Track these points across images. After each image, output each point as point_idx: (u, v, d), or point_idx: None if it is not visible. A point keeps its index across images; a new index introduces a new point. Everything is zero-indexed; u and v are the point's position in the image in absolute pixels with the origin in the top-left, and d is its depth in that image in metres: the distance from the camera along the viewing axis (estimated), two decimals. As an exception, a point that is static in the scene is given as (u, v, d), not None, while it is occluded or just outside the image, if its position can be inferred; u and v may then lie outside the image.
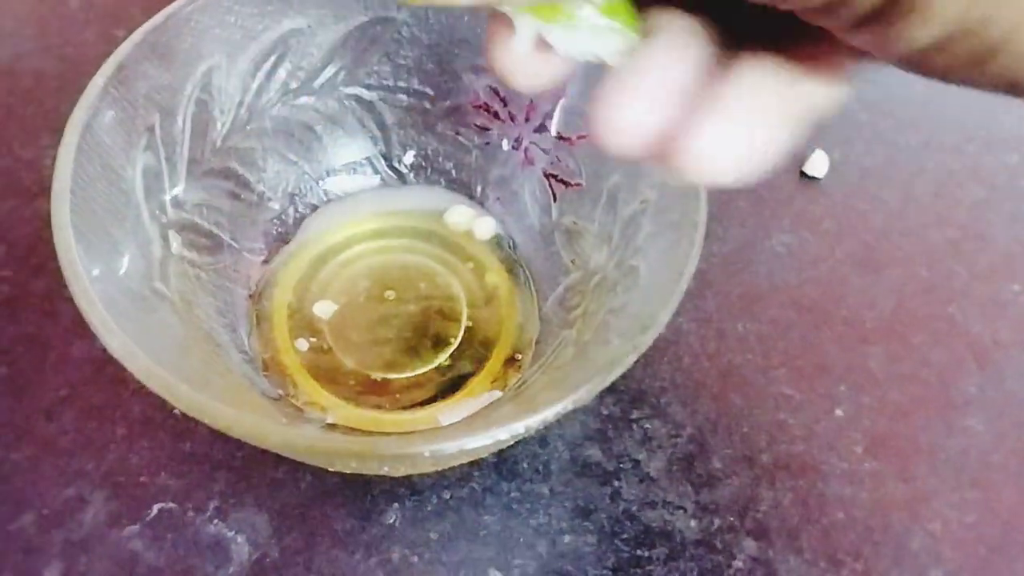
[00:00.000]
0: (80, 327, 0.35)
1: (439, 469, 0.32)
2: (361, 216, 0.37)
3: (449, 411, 0.33)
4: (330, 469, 0.30)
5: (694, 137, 0.17)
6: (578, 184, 0.34)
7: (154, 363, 0.24)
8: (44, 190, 0.39)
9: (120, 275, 0.27)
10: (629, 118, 0.17)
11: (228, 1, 0.31)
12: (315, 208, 0.37)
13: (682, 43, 0.17)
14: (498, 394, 0.33)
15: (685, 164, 0.17)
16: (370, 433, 0.32)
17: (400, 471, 0.29)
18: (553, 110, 0.34)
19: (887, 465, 0.35)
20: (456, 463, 0.31)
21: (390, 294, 0.35)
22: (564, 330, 0.33)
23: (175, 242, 0.31)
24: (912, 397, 0.37)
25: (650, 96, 0.17)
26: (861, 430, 0.36)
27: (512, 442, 0.30)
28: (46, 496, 0.32)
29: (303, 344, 0.34)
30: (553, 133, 0.34)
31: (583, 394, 0.24)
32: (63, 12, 0.47)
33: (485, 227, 0.37)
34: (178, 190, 0.31)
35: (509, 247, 0.37)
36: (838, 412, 0.36)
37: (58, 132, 0.41)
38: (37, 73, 0.44)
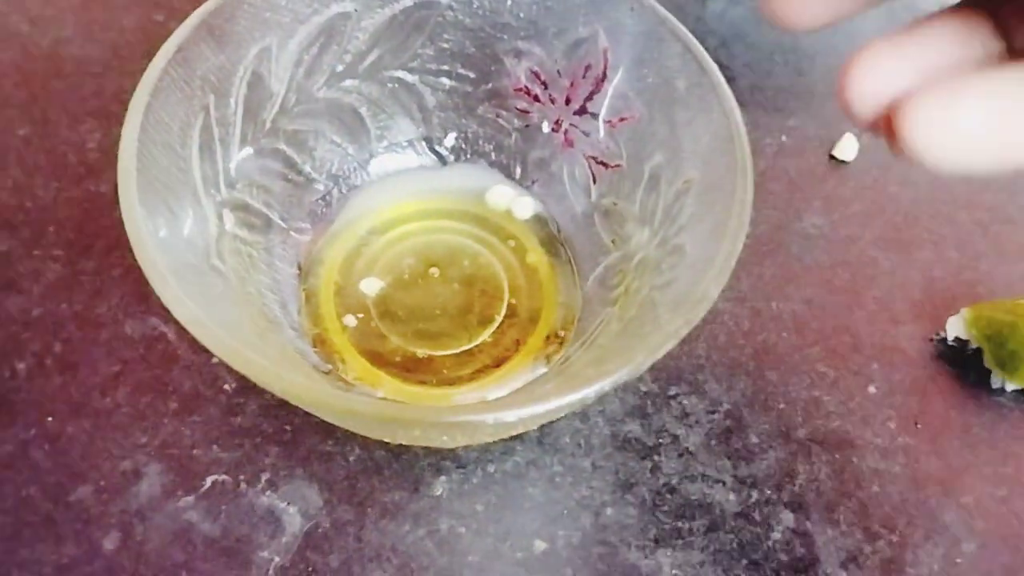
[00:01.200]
0: (130, 306, 0.36)
1: (489, 441, 0.33)
2: (404, 196, 0.38)
3: (494, 386, 0.34)
4: (386, 440, 0.31)
5: (941, 110, 0.16)
6: (618, 165, 0.35)
7: (219, 329, 0.24)
8: (89, 172, 0.40)
9: (182, 249, 0.28)
10: (876, 78, 0.17)
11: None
12: (359, 189, 0.38)
13: (957, 30, 0.18)
14: (542, 369, 0.34)
15: (920, 138, 0.17)
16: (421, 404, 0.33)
17: (457, 441, 0.30)
18: (594, 92, 0.35)
19: (920, 441, 0.36)
20: (508, 434, 0.32)
21: (434, 272, 0.36)
22: (606, 308, 0.34)
23: (228, 220, 0.32)
24: (943, 373, 0.37)
25: (904, 60, 0.17)
26: (894, 407, 0.36)
27: (568, 412, 0.31)
28: (103, 468, 0.32)
29: (351, 320, 0.35)
30: (602, 116, 0.35)
31: (634, 367, 0.25)
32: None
33: (525, 206, 0.38)
34: (231, 170, 0.32)
35: (550, 227, 0.38)
36: (871, 389, 0.37)
37: (100, 115, 0.42)
38: (78, 59, 0.44)
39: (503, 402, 0.29)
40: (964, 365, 0.37)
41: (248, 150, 0.33)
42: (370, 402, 0.25)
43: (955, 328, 0.37)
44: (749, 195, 0.28)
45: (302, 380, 0.24)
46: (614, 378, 0.25)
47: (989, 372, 0.37)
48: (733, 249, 0.27)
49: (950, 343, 0.37)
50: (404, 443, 0.31)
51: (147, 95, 0.28)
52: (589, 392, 0.25)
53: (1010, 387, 0.36)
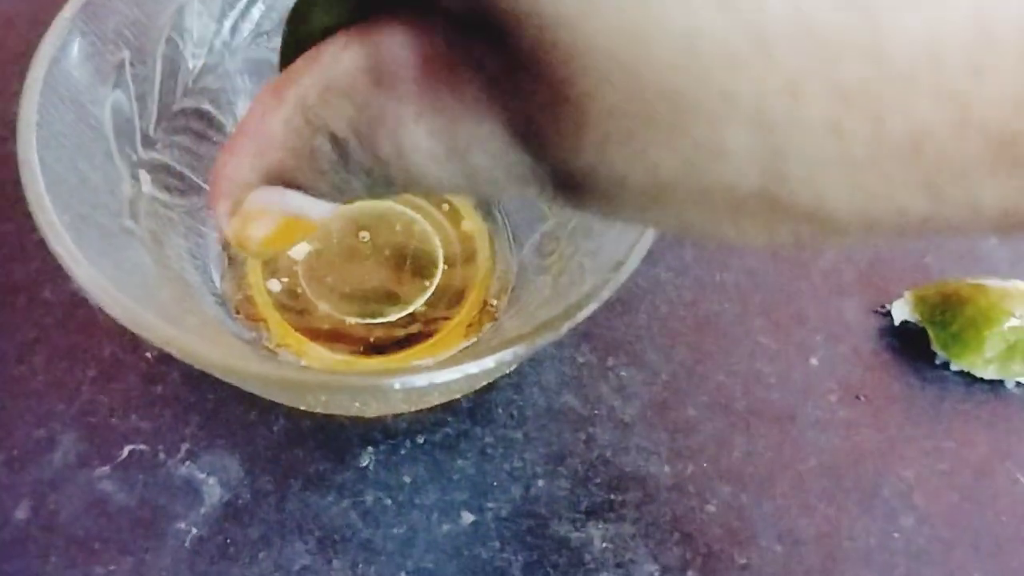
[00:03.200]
0: (50, 271, 0.35)
1: (413, 410, 0.32)
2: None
3: (424, 357, 0.33)
4: (303, 408, 0.30)
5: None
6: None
7: (122, 295, 0.23)
8: (13, 133, 0.39)
9: (88, 209, 0.27)
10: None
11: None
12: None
13: None
14: (473, 340, 0.33)
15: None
16: (348, 372, 0.32)
17: (372, 409, 0.29)
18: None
19: (861, 414, 0.35)
20: (429, 403, 0.31)
21: (364, 235, 0.35)
22: (540, 276, 0.33)
23: (146, 182, 0.30)
24: (886, 347, 0.37)
25: None
26: (836, 379, 0.36)
27: (485, 380, 0.30)
28: (16, 436, 0.31)
29: (275, 285, 0.34)
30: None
31: (553, 330, 0.24)
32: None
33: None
34: (149, 129, 0.31)
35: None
36: (813, 361, 0.36)
37: (25, 74, 0.40)
38: (5, 15, 0.43)
39: (411, 367, 0.28)
40: (909, 344, 0.37)
41: (169, 110, 0.32)
42: (274, 367, 0.24)
43: (900, 311, 0.37)
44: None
45: (204, 346, 0.23)
46: (529, 342, 0.24)
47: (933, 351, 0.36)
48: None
49: (896, 326, 0.37)
50: (323, 411, 0.30)
51: (52, 49, 0.27)
52: (502, 357, 0.24)
53: (954, 367, 0.36)
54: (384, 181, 0.16)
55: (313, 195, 0.17)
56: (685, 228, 0.15)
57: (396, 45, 0.15)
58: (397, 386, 0.23)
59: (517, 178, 0.15)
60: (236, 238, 0.18)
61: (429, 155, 0.15)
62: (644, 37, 0.12)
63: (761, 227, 0.14)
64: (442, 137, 0.15)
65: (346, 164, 0.16)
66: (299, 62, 0.16)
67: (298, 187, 0.17)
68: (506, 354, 0.24)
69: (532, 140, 0.14)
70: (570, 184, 0.15)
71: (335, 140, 0.16)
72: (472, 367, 0.24)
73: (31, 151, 0.25)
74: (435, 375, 0.23)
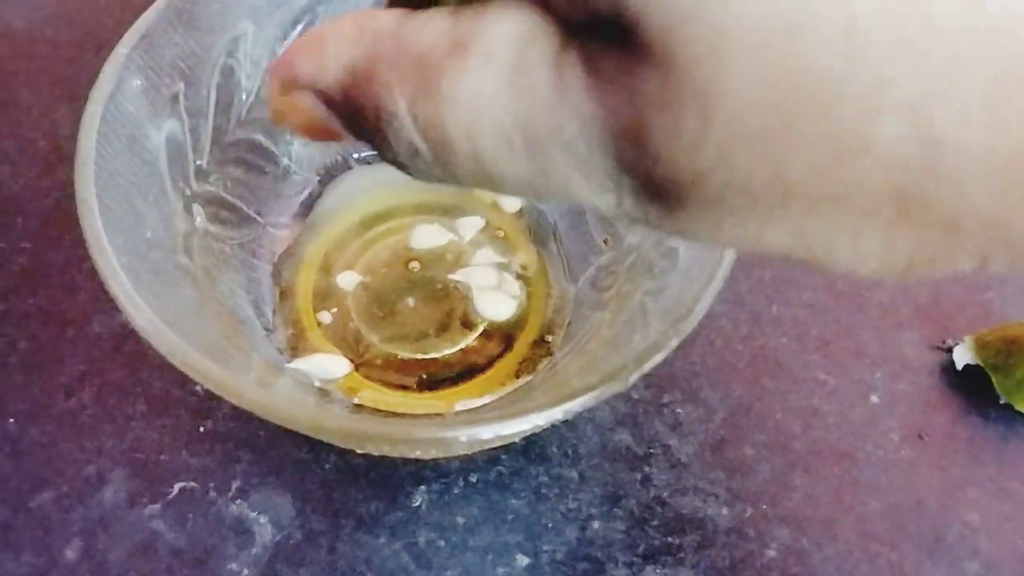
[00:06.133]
0: (99, 302, 0.34)
1: (470, 453, 0.31)
2: (386, 188, 0.36)
3: (478, 393, 0.32)
4: (359, 451, 0.30)
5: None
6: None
7: (179, 339, 0.23)
8: (61, 160, 0.38)
9: (143, 248, 0.26)
10: None
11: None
12: (339, 180, 0.36)
13: None
14: (528, 376, 0.32)
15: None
16: (398, 414, 0.31)
17: (431, 454, 0.29)
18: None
19: (923, 454, 0.34)
20: (488, 447, 0.30)
21: (415, 266, 0.35)
22: (597, 311, 0.32)
23: (199, 215, 0.30)
24: (948, 384, 0.36)
25: None
26: (897, 418, 0.35)
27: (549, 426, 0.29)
28: (65, 473, 0.31)
29: (326, 317, 0.33)
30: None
31: (621, 381, 0.24)
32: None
33: (513, 199, 0.36)
34: (202, 161, 0.30)
35: (540, 221, 0.36)
36: (873, 398, 0.35)
37: (75, 101, 0.40)
38: (53, 41, 0.43)
39: (477, 416, 0.28)
40: (972, 383, 0.36)
41: (222, 141, 0.31)
42: (332, 416, 0.24)
43: (962, 356, 0.35)
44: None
45: (259, 392, 0.22)
46: (596, 393, 0.23)
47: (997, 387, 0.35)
48: (726, 256, 0.25)
49: (959, 370, 0.36)
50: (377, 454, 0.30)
51: (109, 85, 0.26)
52: (570, 408, 0.23)
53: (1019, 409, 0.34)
54: (440, 162, 0.15)
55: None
56: (794, 244, 0.14)
57: (503, 20, 0.14)
58: (463, 439, 0.22)
59: (596, 184, 0.14)
60: (276, 115, 0.17)
61: (505, 141, 0.14)
62: (796, 26, 0.11)
63: (881, 241, 0.13)
64: (527, 125, 0.14)
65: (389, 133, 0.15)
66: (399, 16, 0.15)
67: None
68: (574, 404, 0.23)
69: (636, 143, 0.13)
70: (664, 194, 0.14)
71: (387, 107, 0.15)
72: (540, 418, 0.23)
73: (89, 189, 0.25)
74: (502, 427, 0.23)
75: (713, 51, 0.12)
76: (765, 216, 0.13)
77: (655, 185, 0.14)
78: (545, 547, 0.31)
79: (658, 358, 0.24)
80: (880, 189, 0.12)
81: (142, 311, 0.23)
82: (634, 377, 0.24)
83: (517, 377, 0.33)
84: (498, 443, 0.29)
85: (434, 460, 0.32)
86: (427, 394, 0.32)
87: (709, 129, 0.13)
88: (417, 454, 0.27)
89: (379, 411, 0.31)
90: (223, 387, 0.22)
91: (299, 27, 0.32)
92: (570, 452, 0.33)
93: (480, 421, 0.23)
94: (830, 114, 0.12)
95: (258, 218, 0.33)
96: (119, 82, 0.27)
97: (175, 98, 0.29)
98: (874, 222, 0.13)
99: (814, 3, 0.11)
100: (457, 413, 0.31)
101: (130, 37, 0.27)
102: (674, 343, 0.24)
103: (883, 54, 0.11)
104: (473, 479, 0.32)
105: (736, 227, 0.14)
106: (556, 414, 0.23)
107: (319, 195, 0.36)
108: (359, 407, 0.31)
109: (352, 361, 0.32)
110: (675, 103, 0.13)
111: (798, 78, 0.12)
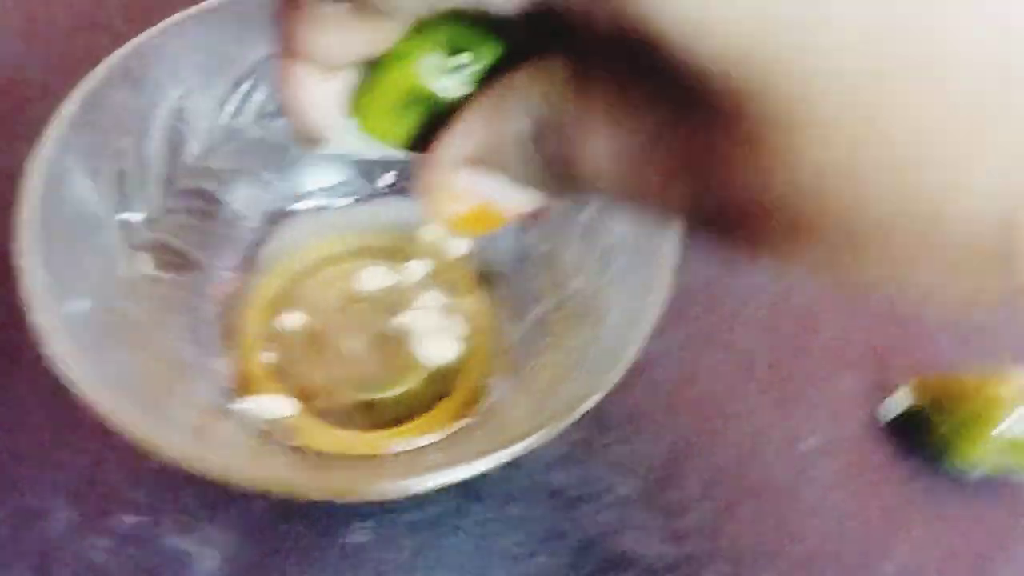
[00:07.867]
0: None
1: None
2: (335, 234, 0.37)
3: (420, 432, 0.33)
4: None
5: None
6: (545, 214, 0.34)
7: (121, 398, 0.24)
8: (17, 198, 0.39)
9: (85, 305, 0.27)
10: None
11: (204, 27, 0.30)
12: (286, 224, 0.37)
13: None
14: (471, 419, 0.33)
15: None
16: (340, 456, 0.32)
17: (371, 499, 0.29)
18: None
19: (859, 497, 0.35)
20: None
21: (361, 308, 0.35)
22: (538, 357, 0.33)
23: (144, 262, 0.31)
24: (885, 429, 0.36)
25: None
26: (833, 459, 0.36)
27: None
28: (8, 505, 0.32)
29: (271, 358, 0.34)
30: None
31: (562, 422, 0.25)
32: (48, 20, 0.47)
33: (459, 244, 0.37)
34: (149, 210, 0.31)
35: (485, 265, 0.37)
36: (811, 441, 0.36)
37: (38, 140, 0.41)
38: (20, 81, 0.43)
39: (419, 461, 0.29)
40: (910, 428, 0.36)
41: (170, 189, 0.32)
42: (270, 477, 0.24)
43: (902, 400, 0.36)
44: (671, 258, 0.27)
45: (197, 451, 0.23)
46: (539, 436, 0.24)
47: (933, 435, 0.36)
48: (649, 316, 0.26)
49: (896, 415, 0.36)
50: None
51: (52, 151, 0.27)
52: (514, 451, 0.24)
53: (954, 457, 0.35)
54: (557, 178, 0.16)
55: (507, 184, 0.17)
56: (864, 276, 0.14)
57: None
58: (413, 490, 0.23)
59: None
60: (435, 211, 0.19)
61: (604, 170, 0.15)
62: (889, 70, 0.11)
63: (972, 276, 0.13)
64: (621, 158, 0.14)
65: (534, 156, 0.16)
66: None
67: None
68: (516, 448, 0.24)
69: (709, 174, 0.14)
70: (729, 222, 0.14)
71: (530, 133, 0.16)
72: (482, 464, 0.24)
73: (32, 255, 0.26)
74: (448, 474, 0.24)
75: (797, 99, 0.12)
76: (841, 244, 0.13)
77: (720, 212, 0.14)
78: (484, 586, 0.32)
79: (595, 399, 0.25)
80: (980, 227, 0.12)
81: (74, 370, 0.24)
82: (574, 418, 0.25)
83: (459, 418, 0.33)
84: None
85: (377, 500, 0.33)
86: (371, 434, 0.33)
87: (788, 169, 0.12)
88: (356, 498, 0.28)
89: (321, 453, 0.32)
90: (151, 445, 0.23)
91: (249, 82, 0.33)
92: (512, 491, 0.34)
93: (428, 468, 0.24)
94: (927, 153, 0.12)
95: (205, 262, 0.34)
96: (63, 146, 0.27)
97: (121, 152, 0.30)
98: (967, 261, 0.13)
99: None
100: (396, 455, 0.32)
101: (73, 101, 0.28)
102: (596, 399, 0.25)
103: (995, 84, 0.11)
104: (417, 516, 0.33)
105: (806, 252, 0.14)
106: (502, 456, 0.24)
107: (265, 239, 0.36)
108: (298, 449, 0.31)
109: (297, 401, 0.33)
110: (750, 144, 0.13)
111: (892, 117, 0.12)
